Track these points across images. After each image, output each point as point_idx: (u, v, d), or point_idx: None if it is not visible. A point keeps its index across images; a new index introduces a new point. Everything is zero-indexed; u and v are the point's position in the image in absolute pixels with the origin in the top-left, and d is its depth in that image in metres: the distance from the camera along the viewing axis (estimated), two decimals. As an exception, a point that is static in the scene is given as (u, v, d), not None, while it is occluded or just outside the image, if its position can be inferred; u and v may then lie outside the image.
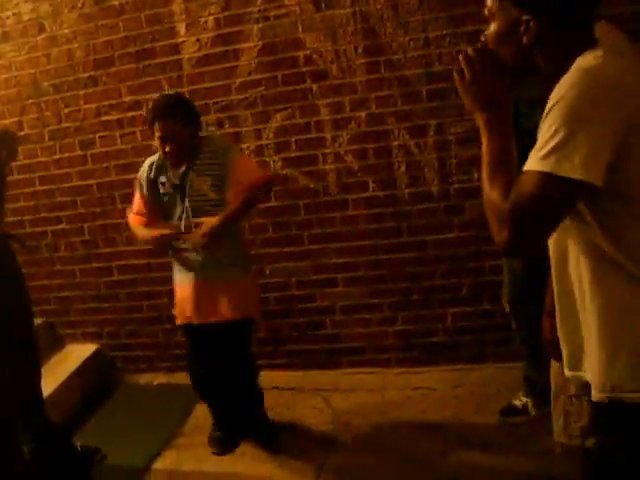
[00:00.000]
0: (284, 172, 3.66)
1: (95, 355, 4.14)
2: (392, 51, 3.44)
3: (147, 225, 3.14)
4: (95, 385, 4.04)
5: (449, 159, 3.47)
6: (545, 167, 1.32)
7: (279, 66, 3.55)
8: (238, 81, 3.63)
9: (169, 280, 3.91)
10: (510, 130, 1.48)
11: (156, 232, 3.06)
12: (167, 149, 2.92)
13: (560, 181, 1.31)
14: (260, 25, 3.55)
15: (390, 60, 3.44)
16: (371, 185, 3.59)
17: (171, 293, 3.94)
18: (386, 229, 3.62)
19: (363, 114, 3.52)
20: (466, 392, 3.49)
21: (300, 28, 3.51)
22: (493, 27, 1.52)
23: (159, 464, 3.31)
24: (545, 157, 1.32)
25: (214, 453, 3.30)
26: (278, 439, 3.29)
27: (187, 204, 3.00)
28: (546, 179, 1.32)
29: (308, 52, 3.52)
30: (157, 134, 2.92)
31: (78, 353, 4.13)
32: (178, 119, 2.89)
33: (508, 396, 3.26)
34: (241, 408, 3.31)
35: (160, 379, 4.09)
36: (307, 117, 3.58)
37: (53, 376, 3.85)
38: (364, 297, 3.74)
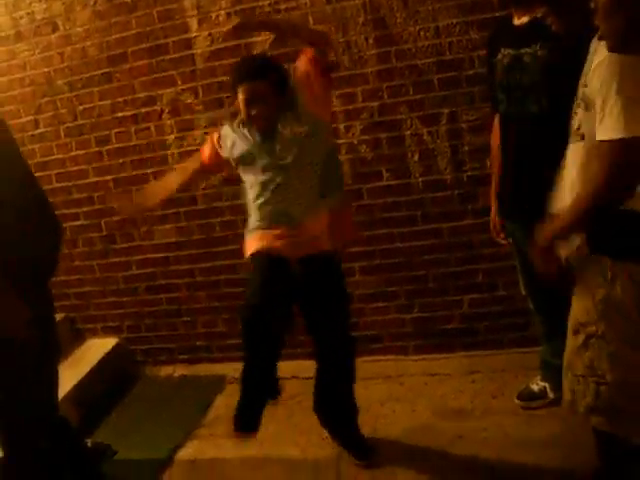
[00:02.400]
0: (299, 163, 3.69)
1: (115, 349, 4.19)
2: (403, 41, 3.46)
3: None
4: (116, 378, 4.09)
5: (462, 147, 3.49)
6: None
7: (291, 58, 3.57)
8: (251, 74, 3.66)
9: (187, 273, 4.01)
10: None
11: None
12: (253, 112, 2.73)
13: None
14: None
15: (401, 50, 3.47)
16: (385, 174, 3.62)
17: (189, 285, 4.02)
18: (401, 217, 3.64)
19: (375, 104, 3.55)
20: (484, 378, 3.52)
21: (311, 20, 3.53)
22: None
23: (181, 455, 3.36)
24: None
25: (238, 433, 2.99)
26: (375, 452, 3.11)
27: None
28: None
29: (320, 44, 3.54)
30: (241, 96, 2.72)
31: (98, 347, 4.18)
32: (267, 79, 2.70)
33: (526, 381, 3.28)
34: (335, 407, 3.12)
35: (180, 371, 4.13)
36: (320, 108, 3.60)
37: (74, 371, 3.90)
38: (381, 285, 3.77)
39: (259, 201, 2.87)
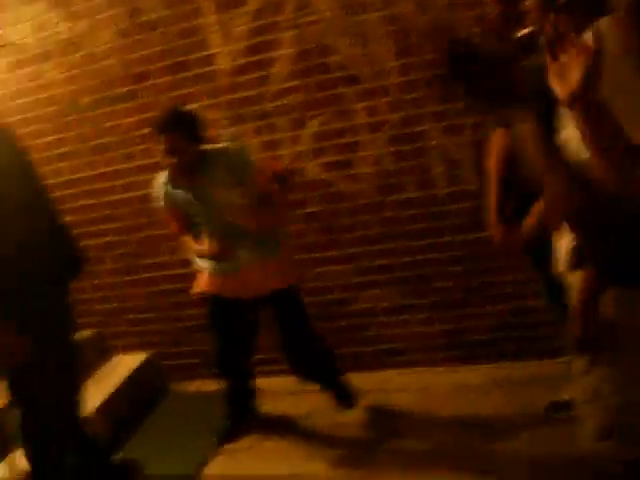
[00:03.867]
0: (322, 177, 3.70)
1: (142, 365, 4.20)
2: (424, 51, 3.45)
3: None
4: (144, 394, 4.11)
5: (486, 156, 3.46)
6: None
7: (312, 72, 3.59)
8: (272, 89, 3.67)
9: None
10: None
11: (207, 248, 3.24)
12: (172, 161, 3.06)
13: None
14: (291, 33, 3.59)
15: (422, 61, 3.45)
16: (409, 186, 3.60)
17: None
18: (426, 229, 3.62)
19: (399, 116, 3.54)
20: (511, 388, 3.47)
21: (331, 34, 3.54)
22: None
23: (209, 470, 3.36)
24: None
25: (219, 444, 3.54)
26: (354, 397, 3.52)
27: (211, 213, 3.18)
28: None
29: (340, 57, 3.54)
30: (161, 149, 3.07)
31: (126, 363, 4.21)
32: (175, 130, 3.02)
33: (553, 392, 3.23)
34: (317, 369, 3.51)
35: (208, 386, 4.13)
36: (342, 122, 3.60)
37: (103, 386, 3.94)
38: (406, 298, 3.75)
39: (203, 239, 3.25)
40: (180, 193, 3.19)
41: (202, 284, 3.31)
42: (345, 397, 3.53)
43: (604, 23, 1.71)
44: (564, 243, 2.03)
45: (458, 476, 2.92)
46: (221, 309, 3.34)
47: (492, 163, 2.96)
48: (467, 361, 3.74)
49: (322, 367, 3.51)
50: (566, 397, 3.17)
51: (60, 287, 2.72)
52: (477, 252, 3.58)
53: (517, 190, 2.86)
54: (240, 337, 3.44)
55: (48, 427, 2.68)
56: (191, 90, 3.81)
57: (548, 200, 1.86)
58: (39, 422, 2.65)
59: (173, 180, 3.18)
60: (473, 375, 3.67)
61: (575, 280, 2.00)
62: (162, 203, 3.28)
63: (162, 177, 3.25)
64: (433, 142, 3.51)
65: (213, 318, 3.39)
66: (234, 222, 3.12)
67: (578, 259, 1.94)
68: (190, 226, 3.28)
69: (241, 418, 3.62)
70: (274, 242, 3.28)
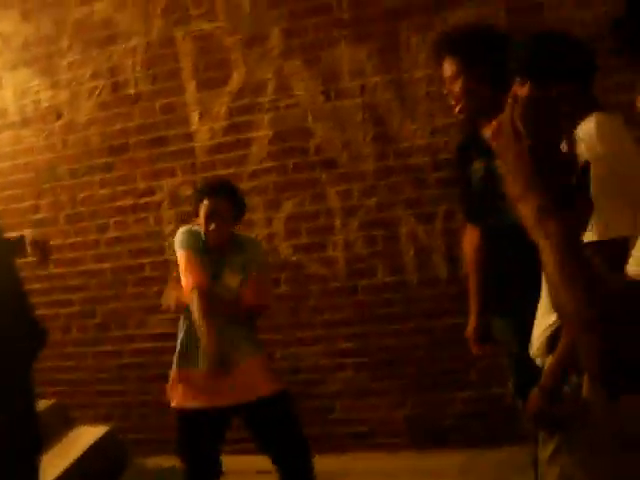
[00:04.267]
0: (294, 259, 3.73)
1: (105, 437, 4.11)
2: (400, 139, 3.53)
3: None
4: (105, 467, 4.02)
5: (457, 245, 3.51)
6: None
7: (289, 154, 3.64)
8: (249, 169, 3.72)
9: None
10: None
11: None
12: (212, 227, 2.88)
13: None
14: (271, 114, 3.66)
15: (398, 148, 3.53)
16: (380, 271, 3.63)
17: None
18: (396, 314, 3.64)
19: (372, 201, 3.59)
20: (476, 476, 3.45)
21: (310, 118, 3.61)
22: None
23: None
24: None
25: None
26: None
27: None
28: None
29: (318, 141, 3.61)
30: (204, 210, 2.89)
31: (88, 435, 4.11)
32: (228, 198, 2.90)
33: (521, 478, 3.22)
34: None
35: (170, 462, 4.06)
36: (317, 205, 3.66)
37: (62, 458, 3.84)
38: (374, 381, 3.74)
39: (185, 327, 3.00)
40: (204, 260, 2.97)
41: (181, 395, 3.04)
42: None
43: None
44: (541, 328, 2.07)
45: None
46: (198, 427, 3.03)
47: (468, 256, 3.00)
48: (434, 446, 3.71)
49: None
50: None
51: (25, 363, 2.69)
52: (445, 338, 3.59)
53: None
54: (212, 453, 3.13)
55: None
56: (168, 165, 3.85)
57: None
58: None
59: (206, 244, 2.97)
60: (439, 461, 3.62)
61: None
62: (192, 250, 2.97)
63: (194, 230, 3.01)
64: (404, 229, 3.56)
65: (188, 438, 3.07)
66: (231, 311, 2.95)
67: (553, 345, 1.96)
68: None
69: None
70: (257, 339, 3.10)
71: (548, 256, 1.01)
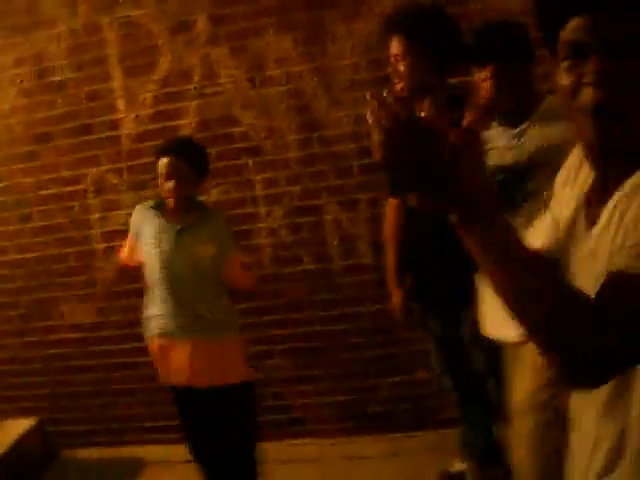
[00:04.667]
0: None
1: (31, 430, 4.05)
2: (325, 127, 3.55)
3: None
4: (32, 461, 3.96)
5: (381, 232, 3.55)
6: None
7: (215, 142, 3.63)
8: (175, 157, 3.69)
9: (105, 353, 3.92)
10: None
11: None
12: (167, 187, 2.76)
13: None
14: (197, 102, 3.64)
15: (322, 136, 3.55)
16: (305, 258, 3.65)
17: (107, 367, 3.94)
18: (322, 301, 3.66)
19: (297, 189, 3.61)
20: (404, 460, 3.51)
21: (235, 105, 3.60)
22: None
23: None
24: None
25: None
26: None
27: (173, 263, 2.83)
28: None
29: (243, 128, 3.61)
30: (159, 170, 2.78)
31: (13, 428, 4.05)
32: (185, 157, 2.77)
33: (446, 462, 3.28)
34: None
35: (98, 454, 4.02)
36: (242, 192, 3.65)
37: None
38: (301, 368, 3.76)
39: (155, 293, 2.91)
40: (160, 229, 2.85)
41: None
42: None
43: None
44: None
45: None
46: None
47: (388, 232, 3.04)
48: (363, 432, 3.75)
49: None
50: (458, 467, 3.23)
51: None
52: (371, 324, 3.63)
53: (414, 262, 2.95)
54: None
55: None
56: (94, 153, 3.79)
57: None
58: None
59: (164, 211, 2.86)
60: (368, 446, 3.68)
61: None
62: (132, 231, 2.97)
63: (149, 204, 2.95)
64: (329, 216, 3.58)
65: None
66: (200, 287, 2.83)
67: None
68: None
69: None
70: (227, 325, 2.95)
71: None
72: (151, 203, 2.94)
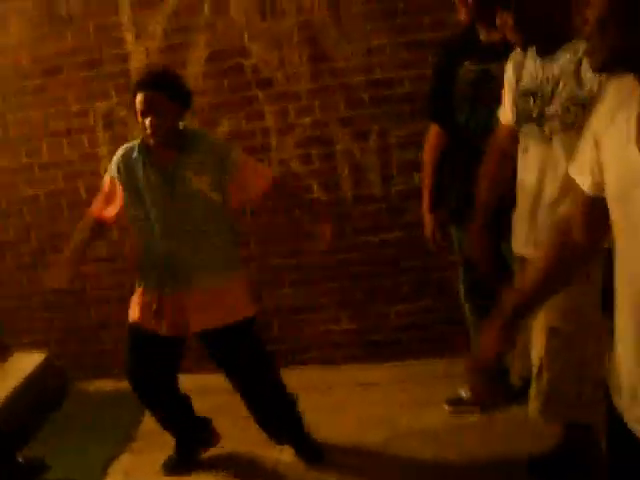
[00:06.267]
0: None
1: (43, 363, 4.08)
2: (335, 59, 3.58)
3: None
4: (44, 394, 3.99)
5: (390, 162, 3.61)
6: None
7: (225, 74, 3.65)
8: (185, 89, 3.70)
9: (117, 286, 3.96)
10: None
11: None
12: (146, 123, 2.57)
13: None
14: (206, 34, 3.65)
15: (333, 68, 3.58)
16: (316, 188, 3.70)
17: (119, 299, 3.96)
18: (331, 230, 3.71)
19: (307, 120, 3.64)
20: (413, 385, 3.59)
21: (246, 37, 3.62)
22: None
23: (114, 469, 3.31)
24: None
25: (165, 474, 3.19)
26: (321, 453, 3.12)
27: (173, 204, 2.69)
28: None
29: (254, 60, 3.63)
30: (138, 107, 2.59)
31: (26, 362, 4.08)
32: (164, 90, 2.59)
33: (453, 388, 3.36)
34: (273, 418, 3.11)
35: (111, 385, 4.07)
36: (253, 124, 3.68)
37: (1, 386, 3.82)
38: (310, 297, 3.84)
39: (145, 244, 2.83)
40: (147, 173, 2.69)
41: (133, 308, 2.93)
42: (310, 452, 3.14)
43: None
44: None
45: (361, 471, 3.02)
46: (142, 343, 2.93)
47: (428, 155, 3.11)
48: (370, 360, 3.85)
49: (285, 424, 3.13)
50: (464, 394, 3.32)
51: None
52: (380, 254, 3.71)
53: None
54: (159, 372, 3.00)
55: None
56: (103, 87, 3.79)
57: None
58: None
59: (148, 153, 2.69)
60: (376, 373, 3.77)
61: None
62: (113, 175, 2.79)
63: (131, 147, 2.77)
64: (340, 147, 3.63)
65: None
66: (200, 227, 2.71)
67: None
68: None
69: (188, 452, 3.20)
70: (232, 261, 2.87)
71: None
72: (134, 148, 2.75)
